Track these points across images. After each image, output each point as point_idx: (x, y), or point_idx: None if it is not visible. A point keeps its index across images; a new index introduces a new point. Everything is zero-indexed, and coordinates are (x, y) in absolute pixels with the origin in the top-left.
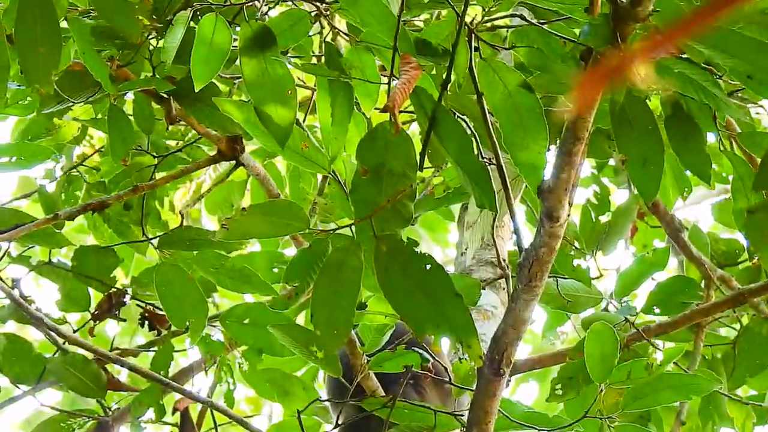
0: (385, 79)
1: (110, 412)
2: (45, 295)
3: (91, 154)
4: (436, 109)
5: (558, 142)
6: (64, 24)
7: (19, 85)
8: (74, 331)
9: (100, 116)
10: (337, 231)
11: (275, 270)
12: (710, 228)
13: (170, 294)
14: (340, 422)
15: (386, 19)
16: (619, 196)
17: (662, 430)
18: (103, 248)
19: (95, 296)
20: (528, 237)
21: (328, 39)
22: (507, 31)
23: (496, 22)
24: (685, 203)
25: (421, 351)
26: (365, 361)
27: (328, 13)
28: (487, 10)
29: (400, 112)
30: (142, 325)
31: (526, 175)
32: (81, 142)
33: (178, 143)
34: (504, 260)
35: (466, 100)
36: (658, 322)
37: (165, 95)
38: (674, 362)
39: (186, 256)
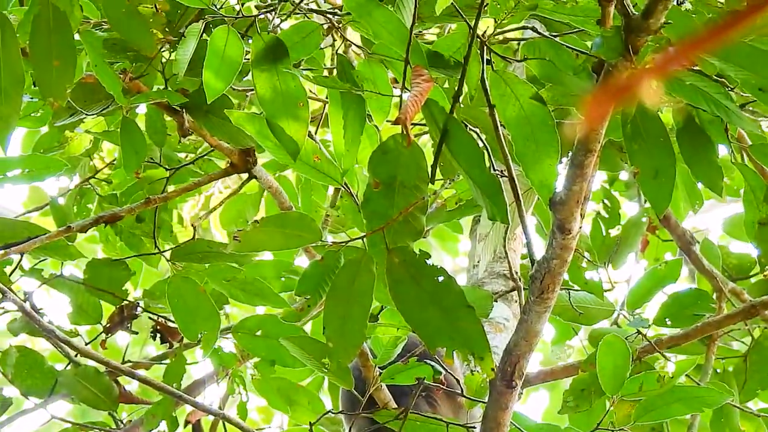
0: (397, 92)
1: (122, 425)
2: (56, 308)
3: (104, 167)
4: (447, 122)
5: (570, 154)
6: (76, 36)
7: (31, 98)
8: (86, 344)
9: (112, 129)
10: (349, 243)
11: (283, 279)
12: (720, 238)
13: (182, 306)
14: None
15: (398, 32)
16: (629, 209)
17: None
18: (115, 261)
19: (106, 309)
20: (539, 249)
21: (340, 51)
22: (518, 43)
23: (508, 35)
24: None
25: (433, 363)
26: (377, 373)
27: (340, 25)
28: (499, 22)
29: (412, 124)
30: (154, 338)
31: (537, 187)
32: (93, 155)
33: (186, 156)
34: (516, 272)
35: (477, 113)
36: (669, 335)
37: (177, 108)
38: (686, 375)
39: (198, 269)
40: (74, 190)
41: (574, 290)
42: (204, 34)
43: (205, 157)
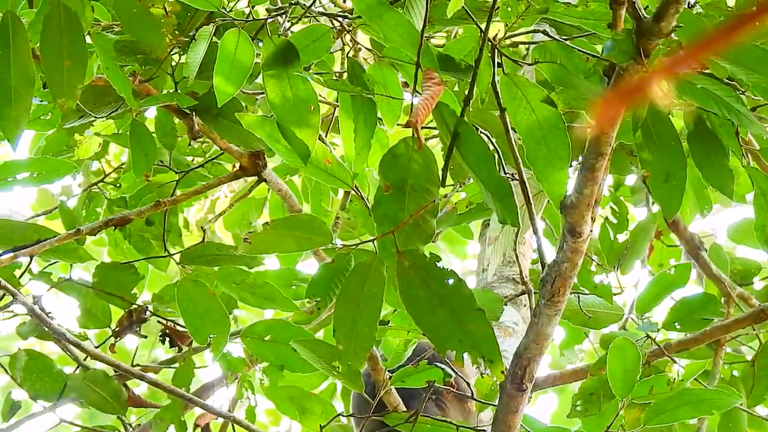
0: (407, 95)
1: (131, 429)
2: (64, 312)
3: (113, 170)
4: (458, 125)
5: (580, 157)
6: (87, 39)
7: (40, 101)
8: (96, 347)
9: (120, 132)
10: (360, 246)
11: (294, 287)
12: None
13: (192, 310)
14: None
15: (409, 35)
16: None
17: None
18: (124, 264)
19: (115, 312)
20: (549, 253)
21: (351, 55)
22: (527, 47)
23: (519, 38)
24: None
25: (443, 366)
26: (387, 376)
27: (350, 28)
28: (509, 25)
29: (423, 127)
30: (163, 342)
31: (548, 190)
32: (101, 158)
33: (193, 159)
34: (526, 276)
35: (488, 116)
36: (678, 339)
37: (187, 111)
38: (694, 379)
39: (207, 272)
40: (83, 194)
41: (583, 294)
42: (214, 37)
43: (214, 160)
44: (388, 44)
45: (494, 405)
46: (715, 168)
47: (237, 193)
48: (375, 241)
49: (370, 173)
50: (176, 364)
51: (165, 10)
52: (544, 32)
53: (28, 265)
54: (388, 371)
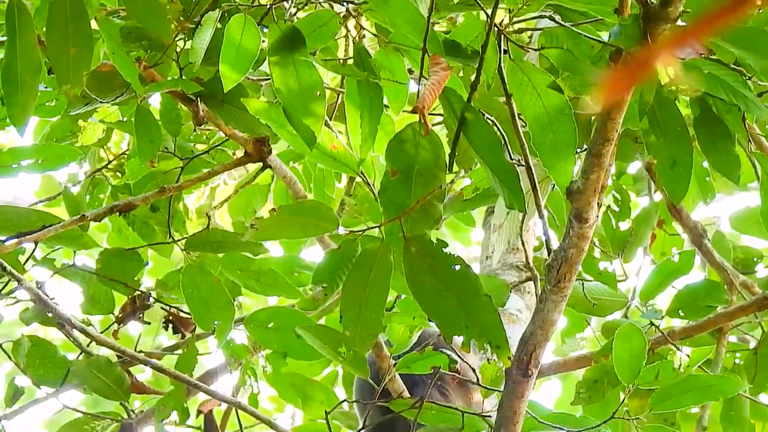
0: (414, 81)
1: (134, 415)
2: (67, 298)
3: (118, 156)
4: (465, 110)
5: (587, 143)
6: (93, 25)
7: (45, 87)
8: (100, 333)
9: (125, 119)
10: (366, 232)
11: (296, 275)
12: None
13: (197, 296)
14: (366, 425)
15: (415, 21)
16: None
17: None
18: (128, 251)
19: (118, 299)
20: (553, 240)
21: (356, 40)
22: (530, 34)
23: (525, 24)
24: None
25: (448, 352)
26: (392, 363)
27: (356, 14)
28: (515, 11)
29: (430, 113)
30: (166, 328)
31: (555, 176)
32: (105, 145)
33: (195, 146)
34: (531, 262)
35: (494, 102)
36: (682, 326)
37: (192, 97)
38: (698, 366)
39: (212, 259)
40: (86, 180)
41: (587, 281)
42: (219, 23)
43: (218, 147)
44: (394, 30)
45: (499, 391)
46: (722, 154)
47: (242, 180)
48: (382, 227)
49: (376, 159)
50: (179, 351)
51: None
52: (550, 18)
53: (33, 251)
54: (393, 357)
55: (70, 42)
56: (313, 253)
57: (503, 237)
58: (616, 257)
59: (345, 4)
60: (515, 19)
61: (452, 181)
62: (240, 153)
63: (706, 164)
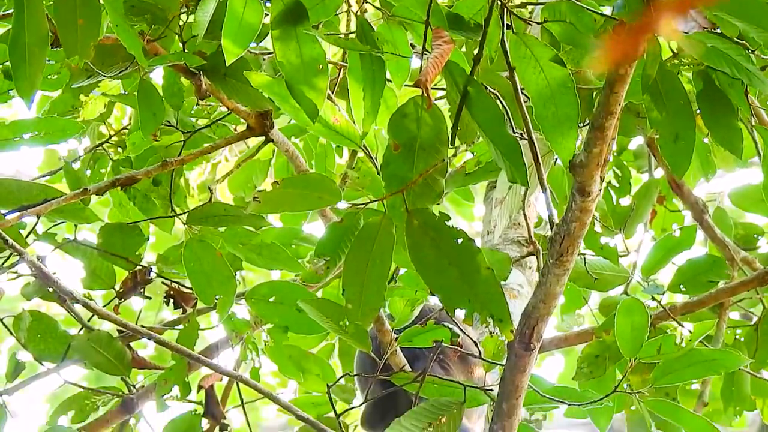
0: (416, 55)
1: (135, 390)
2: (68, 274)
3: (120, 130)
4: (468, 84)
5: (589, 117)
6: None
7: (48, 60)
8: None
9: (126, 93)
10: (369, 206)
11: (294, 247)
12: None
13: (199, 270)
14: (367, 398)
15: None
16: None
17: None
18: (129, 225)
19: (119, 274)
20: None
21: (359, 14)
22: (533, 7)
23: None
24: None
25: (450, 326)
26: (393, 337)
27: None
28: None
29: (432, 88)
30: (167, 303)
31: (557, 150)
32: (106, 120)
33: (197, 120)
34: (532, 237)
35: (497, 76)
36: (683, 302)
37: (195, 71)
38: (699, 342)
39: (214, 233)
40: (87, 155)
41: (589, 256)
42: None
43: (220, 122)
44: (396, 3)
45: (501, 365)
46: (724, 128)
47: (243, 154)
48: (384, 201)
49: (379, 133)
50: (181, 326)
51: None
52: None
53: (35, 226)
54: (395, 331)
55: (78, 13)
56: (312, 228)
57: (505, 212)
58: (617, 232)
59: None
60: None
61: (454, 155)
62: (242, 128)
63: (707, 140)
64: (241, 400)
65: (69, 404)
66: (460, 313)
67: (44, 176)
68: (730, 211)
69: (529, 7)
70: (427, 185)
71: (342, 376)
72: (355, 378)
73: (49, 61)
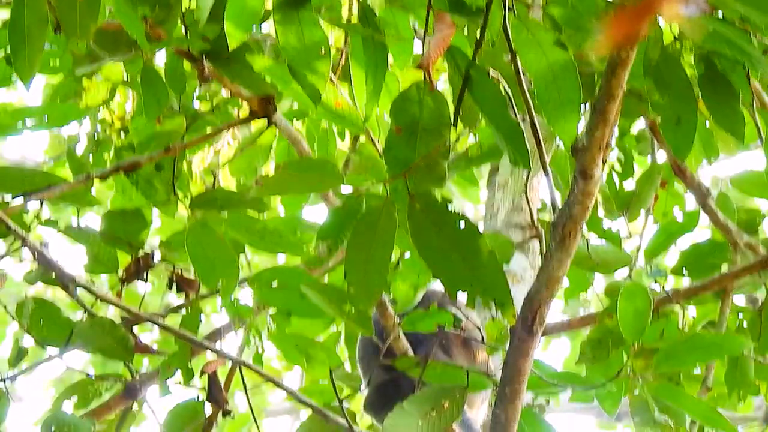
0: (419, 39)
1: (138, 376)
2: (70, 261)
3: (120, 117)
4: (470, 68)
5: (591, 100)
6: None
7: (50, 45)
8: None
9: (128, 79)
10: (371, 190)
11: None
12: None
13: (202, 255)
14: (370, 383)
15: None
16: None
17: None
18: (132, 211)
19: (122, 259)
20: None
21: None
22: None
23: None
24: None
25: (453, 310)
26: (396, 321)
27: None
28: None
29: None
30: (170, 288)
31: (559, 133)
32: (109, 105)
33: (200, 105)
34: (535, 221)
35: (499, 59)
36: (686, 286)
37: (198, 55)
38: (702, 327)
39: (217, 218)
40: (90, 140)
41: (592, 240)
42: None
43: (223, 106)
44: None
45: (504, 349)
46: (726, 111)
47: (246, 139)
48: (386, 184)
49: (381, 116)
50: (184, 311)
51: None
52: None
53: (38, 212)
54: (398, 316)
55: None
56: (314, 215)
57: (508, 195)
58: (620, 216)
59: None
60: None
61: (457, 139)
62: (244, 112)
63: (708, 124)
64: (244, 384)
65: (72, 390)
66: (462, 297)
67: (47, 162)
68: (733, 195)
69: None
70: (429, 169)
71: (345, 361)
72: (358, 363)
73: (51, 46)
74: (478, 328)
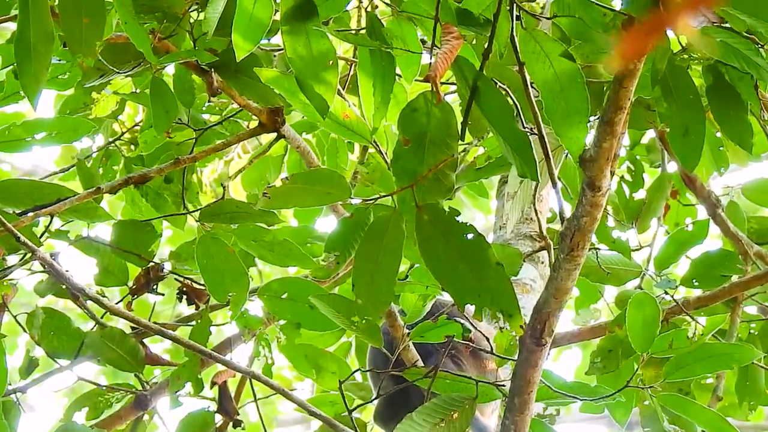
0: (426, 50)
1: (148, 387)
2: (81, 272)
3: (132, 127)
4: (477, 79)
5: (599, 111)
6: None
7: (59, 60)
8: (116, 303)
9: (138, 91)
10: (379, 201)
11: (309, 245)
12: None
13: (211, 267)
14: (380, 394)
15: None
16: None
17: None
18: (142, 222)
19: (131, 270)
20: (566, 210)
21: (369, 10)
22: (542, 2)
23: None
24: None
25: (462, 321)
26: (405, 332)
27: None
28: None
29: (442, 82)
30: (180, 300)
31: (567, 144)
32: (118, 117)
33: (210, 117)
34: (544, 231)
35: (507, 71)
36: (696, 296)
37: (206, 68)
38: (712, 335)
39: (227, 230)
40: (100, 152)
41: (601, 251)
42: None
43: (232, 118)
44: None
45: (513, 360)
46: (734, 122)
47: (256, 151)
48: (394, 196)
49: (389, 128)
50: (193, 322)
51: None
52: None
53: (48, 225)
54: (407, 327)
55: (83, 12)
56: (326, 225)
57: (517, 206)
58: (630, 227)
59: None
60: None
61: (465, 150)
62: (253, 124)
63: (719, 134)
64: (254, 395)
65: (83, 401)
66: (471, 308)
67: (57, 173)
68: (744, 205)
69: (540, 2)
70: (437, 180)
71: (353, 372)
72: (368, 373)
73: (60, 60)
74: (487, 339)
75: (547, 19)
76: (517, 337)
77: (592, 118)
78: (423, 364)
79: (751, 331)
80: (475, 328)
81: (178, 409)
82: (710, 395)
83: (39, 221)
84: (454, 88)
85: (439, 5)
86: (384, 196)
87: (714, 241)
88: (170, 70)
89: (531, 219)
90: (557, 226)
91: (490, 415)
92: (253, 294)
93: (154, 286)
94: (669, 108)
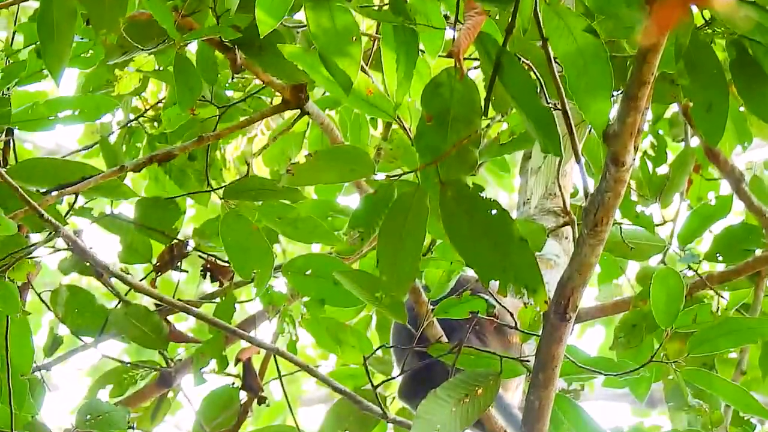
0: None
1: (172, 364)
2: (103, 250)
3: (155, 104)
4: (501, 55)
5: (623, 87)
6: None
7: (81, 38)
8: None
9: (161, 68)
10: (402, 177)
11: (330, 219)
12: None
13: (236, 245)
14: (404, 370)
15: None
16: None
17: None
18: (165, 200)
19: (155, 247)
20: (591, 186)
21: None
22: None
23: None
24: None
25: (486, 297)
26: (429, 308)
27: None
28: None
29: (465, 58)
30: (204, 277)
31: (591, 120)
32: (141, 94)
33: (232, 94)
34: (568, 207)
35: (530, 46)
36: (720, 270)
37: (229, 44)
38: (736, 310)
39: (250, 207)
40: (122, 130)
41: (625, 225)
42: None
43: (255, 95)
44: None
45: (537, 335)
46: (758, 97)
47: (278, 127)
48: (418, 172)
49: (412, 104)
50: (218, 299)
51: None
52: None
53: (73, 203)
54: (431, 303)
55: None
56: (348, 200)
57: (541, 181)
58: (653, 201)
59: None
60: None
61: (488, 126)
62: (277, 101)
63: (742, 109)
64: (279, 372)
65: (107, 378)
66: (495, 284)
67: (81, 151)
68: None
69: None
70: (460, 156)
71: (378, 348)
72: (392, 349)
73: (82, 39)
74: (511, 314)
75: None
76: (542, 313)
77: (615, 93)
78: (447, 340)
79: None
80: (500, 303)
81: (202, 386)
82: (734, 370)
83: (63, 199)
84: (477, 63)
85: None
86: (408, 173)
87: (736, 216)
88: (193, 47)
89: (555, 194)
90: (581, 201)
91: (515, 390)
92: (278, 271)
93: (178, 264)
94: (692, 83)
